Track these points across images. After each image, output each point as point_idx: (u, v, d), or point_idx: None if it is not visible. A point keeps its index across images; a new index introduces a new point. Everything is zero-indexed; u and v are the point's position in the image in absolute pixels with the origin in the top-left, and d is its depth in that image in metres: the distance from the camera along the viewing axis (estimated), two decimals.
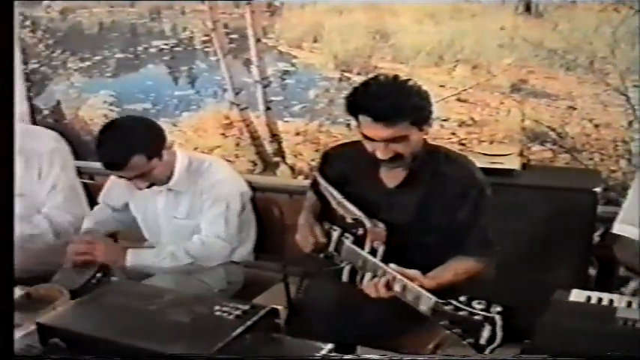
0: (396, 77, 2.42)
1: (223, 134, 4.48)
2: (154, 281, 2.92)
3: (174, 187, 3.01)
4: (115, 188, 3.24)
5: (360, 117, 2.39)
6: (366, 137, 2.41)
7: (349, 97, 2.43)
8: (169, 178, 2.99)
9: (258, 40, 4.20)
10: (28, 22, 4.96)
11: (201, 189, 2.98)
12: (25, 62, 5.13)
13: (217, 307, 2.10)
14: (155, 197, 3.08)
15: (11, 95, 1.71)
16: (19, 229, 3.19)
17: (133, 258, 2.94)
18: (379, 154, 2.40)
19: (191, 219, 3.04)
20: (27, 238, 3.23)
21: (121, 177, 2.91)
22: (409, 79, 2.41)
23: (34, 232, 3.24)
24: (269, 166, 4.43)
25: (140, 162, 2.80)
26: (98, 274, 2.89)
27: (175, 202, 3.05)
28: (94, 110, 4.92)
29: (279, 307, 2.12)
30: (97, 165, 4.74)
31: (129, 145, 2.79)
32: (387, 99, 2.33)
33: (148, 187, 2.92)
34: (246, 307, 2.10)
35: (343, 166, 2.68)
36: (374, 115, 2.33)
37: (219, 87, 4.42)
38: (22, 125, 3.50)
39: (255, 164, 4.44)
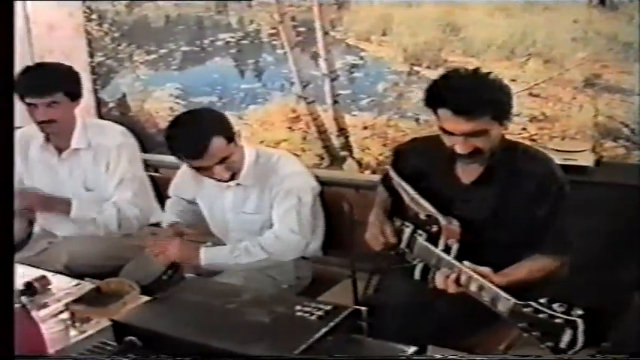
0: (476, 70, 2.41)
1: (290, 128, 4.50)
2: (223, 278, 2.93)
3: (243, 181, 3.01)
4: (183, 181, 3.28)
5: (440, 110, 2.38)
6: (445, 131, 2.40)
7: (429, 90, 2.42)
8: (238, 172, 3.00)
9: (325, 33, 4.20)
10: (94, 16, 5.06)
11: (271, 183, 2.99)
12: (91, 55, 5.22)
13: (298, 307, 2.05)
14: (223, 193, 3.10)
15: (11, 95, 1.74)
16: (88, 212, 3.27)
17: (207, 256, 2.95)
18: (458, 149, 2.39)
19: (260, 214, 3.05)
20: (91, 221, 3.29)
21: (198, 169, 2.92)
22: (490, 73, 2.40)
23: (99, 217, 3.29)
24: (336, 161, 4.43)
25: (220, 145, 2.81)
26: (169, 271, 2.92)
27: (244, 197, 3.06)
28: (160, 103, 4.99)
29: (362, 308, 2.08)
30: (162, 158, 4.89)
31: (207, 129, 2.81)
32: (469, 92, 2.32)
33: (230, 178, 2.93)
34: (329, 308, 2.04)
35: (417, 161, 2.67)
36: (455, 109, 2.32)
37: (286, 80, 4.43)
38: (90, 120, 3.53)
39: (322, 158, 4.45)
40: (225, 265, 2.96)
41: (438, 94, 2.39)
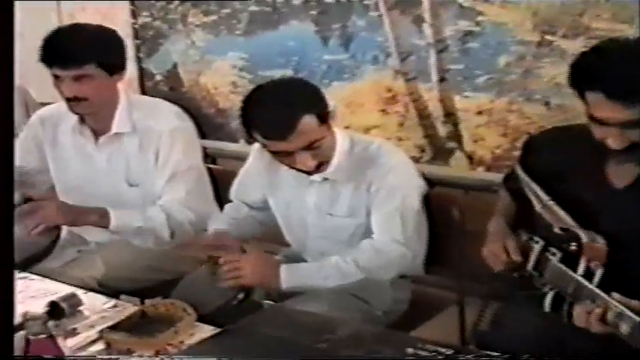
0: (638, 42, 2.35)
1: (383, 111, 4.47)
2: (300, 302, 2.91)
3: (332, 175, 2.99)
4: (249, 180, 3.28)
5: (589, 93, 2.33)
6: (594, 120, 2.35)
7: (574, 67, 2.38)
8: (326, 164, 2.98)
9: None
10: None
11: (370, 179, 2.97)
12: (135, 15, 5.27)
13: (410, 350, 2.03)
14: (304, 190, 3.08)
15: (11, 95, 1.87)
16: (131, 221, 3.27)
17: (289, 277, 2.91)
18: (611, 143, 2.34)
19: (352, 217, 3.03)
20: (135, 230, 3.30)
21: (277, 154, 2.89)
22: None
23: (146, 226, 3.29)
24: (440, 154, 4.40)
25: (311, 125, 2.80)
26: (240, 295, 2.90)
27: (332, 196, 3.05)
28: (220, 76, 5.02)
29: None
30: (221, 145, 4.91)
31: (296, 104, 2.81)
32: (628, 71, 2.26)
33: (315, 169, 2.91)
34: (450, 352, 2.03)
35: (554, 157, 2.63)
36: (609, 92, 2.26)
37: (380, 50, 4.40)
38: (136, 97, 3.54)
39: (423, 150, 4.41)
40: (310, 287, 2.93)
41: (588, 72, 2.34)
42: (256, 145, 3.17)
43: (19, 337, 2.27)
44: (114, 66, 3.28)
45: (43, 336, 2.03)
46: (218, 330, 2.37)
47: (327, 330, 2.15)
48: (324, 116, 2.85)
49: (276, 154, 2.92)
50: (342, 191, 3.03)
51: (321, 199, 3.08)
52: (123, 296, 3.17)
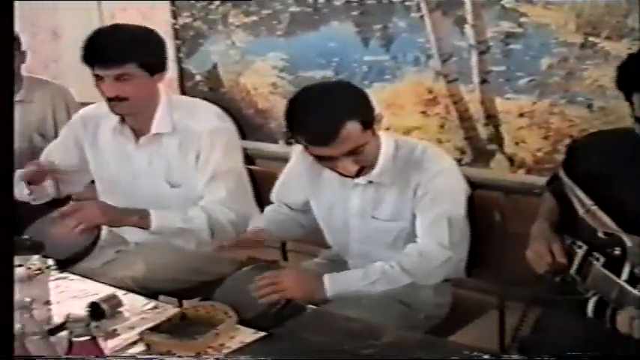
0: None
1: (424, 112, 4.46)
2: (339, 306, 2.88)
3: (377, 178, 2.98)
4: (291, 181, 3.26)
5: (636, 95, 2.31)
6: None
7: (622, 69, 2.37)
8: (371, 167, 2.96)
9: None
10: None
11: (416, 182, 2.95)
12: (175, 15, 5.29)
13: (456, 358, 2.01)
14: (348, 193, 3.07)
15: (11, 95, 1.93)
16: (171, 222, 3.27)
17: (334, 285, 2.88)
18: None
19: (397, 220, 3.02)
20: (176, 231, 3.29)
21: (319, 158, 2.89)
22: None
23: (187, 226, 3.29)
24: (481, 156, 4.38)
25: (354, 131, 2.77)
26: (282, 300, 2.87)
27: (376, 199, 3.03)
28: (260, 77, 5.02)
29: None
30: (260, 146, 4.90)
31: (341, 110, 2.78)
32: None
33: (357, 174, 2.90)
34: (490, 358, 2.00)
35: (599, 161, 2.60)
36: None
37: (421, 52, 4.39)
38: (177, 97, 3.54)
39: (464, 152, 4.40)
40: (356, 295, 2.91)
41: (636, 74, 2.32)
42: (298, 147, 3.15)
43: (61, 338, 2.29)
44: (155, 66, 3.28)
45: (86, 338, 2.03)
46: (261, 334, 2.36)
47: (371, 335, 2.14)
48: (368, 122, 2.83)
49: (319, 158, 2.90)
50: (387, 194, 3.01)
51: (364, 202, 3.06)
52: (161, 297, 3.17)
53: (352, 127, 2.76)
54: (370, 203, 3.04)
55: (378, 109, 2.94)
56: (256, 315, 2.63)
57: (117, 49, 3.18)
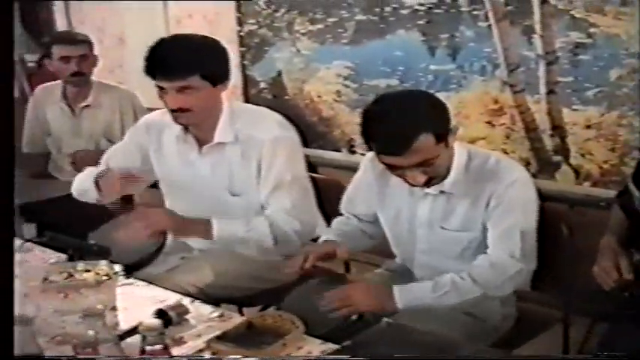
0: None
1: (489, 122, 4.43)
2: (405, 317, 2.85)
3: (449, 188, 2.94)
4: (359, 192, 3.23)
5: None
6: None
7: None
8: (443, 177, 2.93)
9: (544, 2, 4.10)
10: None
11: (490, 193, 2.91)
12: (241, 22, 5.30)
13: None
14: (417, 202, 3.03)
15: (11, 95, 1.88)
16: (234, 231, 3.26)
17: (404, 297, 2.85)
18: None
19: (467, 231, 2.98)
20: (239, 240, 3.28)
21: (387, 165, 2.86)
22: None
23: (249, 236, 3.27)
24: (546, 167, 4.34)
25: (427, 143, 2.74)
26: (353, 316, 2.83)
27: (447, 209, 2.99)
28: (324, 85, 5.02)
29: None
30: (323, 153, 4.89)
31: (416, 122, 2.74)
32: None
33: (426, 183, 2.87)
34: None
35: None
36: None
37: (488, 61, 4.37)
38: (239, 105, 3.51)
39: (529, 163, 4.35)
40: (426, 306, 2.88)
41: None
42: (367, 157, 3.15)
43: (132, 345, 2.29)
44: (217, 77, 3.25)
45: (159, 346, 2.03)
46: (329, 345, 2.34)
47: (447, 348, 2.10)
48: (442, 135, 2.79)
49: (388, 166, 2.87)
50: (458, 205, 2.98)
51: (434, 212, 3.02)
52: (223, 304, 3.16)
53: (425, 140, 2.73)
54: (440, 213, 3.01)
55: (453, 123, 2.89)
56: (328, 330, 2.61)
57: (179, 62, 3.15)
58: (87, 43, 4.79)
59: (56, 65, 4.71)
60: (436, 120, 2.79)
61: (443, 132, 2.79)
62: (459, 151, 2.95)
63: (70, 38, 4.85)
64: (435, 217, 3.01)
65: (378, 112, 2.82)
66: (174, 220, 3.24)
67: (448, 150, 2.87)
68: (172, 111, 3.22)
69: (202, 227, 3.25)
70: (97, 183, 3.42)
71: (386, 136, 2.75)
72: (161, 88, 3.18)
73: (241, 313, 3.28)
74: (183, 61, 3.15)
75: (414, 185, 2.89)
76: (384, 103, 2.88)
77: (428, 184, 2.88)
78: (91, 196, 3.47)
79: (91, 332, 2.19)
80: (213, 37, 3.34)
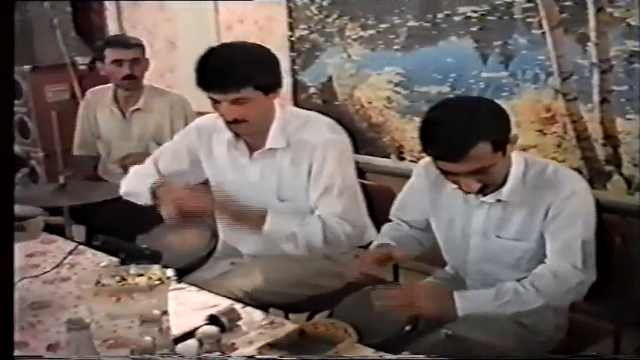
0: None
1: (541, 131, 4.38)
2: (455, 326, 2.81)
3: (506, 197, 2.90)
4: (412, 198, 3.20)
5: None
6: None
7: None
8: (499, 186, 2.89)
9: (599, 9, 4.05)
10: None
11: (549, 203, 2.87)
12: (292, 27, 5.30)
13: None
14: (472, 210, 3.00)
15: (11, 96, 1.80)
16: (287, 224, 3.26)
17: (465, 304, 2.80)
18: None
19: (523, 240, 2.94)
20: (289, 236, 3.25)
21: (446, 174, 2.82)
22: None
23: (301, 231, 3.24)
24: (598, 177, 4.28)
25: (484, 152, 2.71)
26: (407, 327, 2.79)
27: (503, 218, 2.95)
28: (375, 91, 5.00)
29: None
30: (371, 159, 4.87)
31: (474, 129, 2.71)
32: None
33: (479, 191, 2.83)
34: None
35: None
36: None
37: (541, 69, 4.32)
38: (291, 111, 3.49)
39: (580, 173, 4.21)
40: (486, 315, 2.83)
41: None
42: (421, 163, 3.13)
43: (186, 351, 2.28)
44: (270, 86, 3.22)
45: (217, 353, 2.01)
46: (382, 354, 2.32)
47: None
48: (500, 144, 2.76)
49: (442, 172, 2.84)
50: (514, 214, 2.94)
51: (489, 221, 2.98)
52: (271, 309, 3.14)
53: (483, 148, 2.69)
54: (495, 222, 2.97)
55: (512, 133, 2.86)
56: (381, 340, 2.58)
57: (232, 74, 3.13)
58: (139, 46, 4.82)
59: (109, 68, 4.75)
60: (495, 128, 2.75)
61: (501, 141, 2.75)
62: (517, 159, 2.91)
63: (123, 42, 4.88)
64: (490, 225, 2.98)
65: (438, 117, 2.79)
66: (232, 208, 3.32)
67: (505, 158, 2.83)
68: (228, 122, 3.21)
69: (256, 216, 3.25)
70: (153, 192, 3.42)
71: (444, 142, 2.73)
72: (214, 100, 3.17)
73: (287, 319, 3.25)
74: (236, 73, 3.12)
75: (467, 192, 2.86)
76: (444, 108, 2.85)
77: (482, 191, 2.85)
78: (141, 199, 3.47)
79: (148, 338, 2.18)
80: (264, 44, 3.32)
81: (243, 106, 3.14)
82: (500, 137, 2.76)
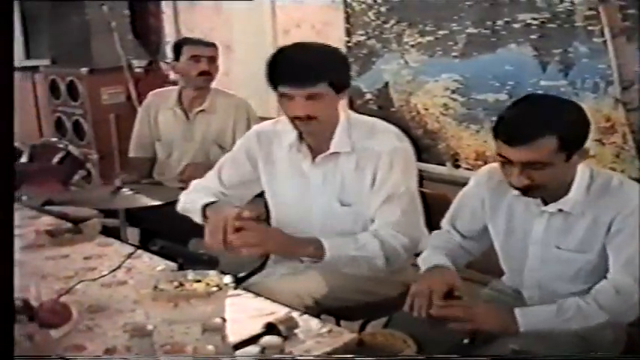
0: None
1: (599, 141, 4.33)
2: (519, 342, 2.77)
3: (568, 208, 2.85)
4: (469, 207, 3.15)
5: None
6: None
7: None
8: (561, 195, 2.84)
9: None
10: None
11: (613, 215, 2.80)
12: (349, 33, 5.29)
13: None
14: (532, 219, 2.95)
15: (11, 95, 1.85)
16: (345, 250, 3.22)
17: (527, 320, 2.76)
18: None
19: (583, 252, 2.88)
20: (349, 260, 3.23)
21: (505, 164, 2.77)
22: None
23: (360, 254, 3.22)
24: None
25: (549, 146, 2.66)
26: (466, 340, 2.76)
27: (564, 228, 2.90)
28: (431, 98, 4.97)
29: None
30: (426, 167, 4.83)
31: (547, 120, 2.68)
32: None
33: (525, 191, 2.78)
34: None
35: None
36: None
37: (601, 78, 4.26)
38: (355, 116, 3.46)
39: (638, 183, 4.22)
40: (549, 330, 2.79)
41: None
42: (482, 171, 3.11)
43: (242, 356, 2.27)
44: (341, 84, 3.23)
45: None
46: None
47: None
48: (568, 145, 2.70)
49: (500, 158, 2.79)
50: (576, 225, 2.88)
51: (550, 231, 2.93)
52: (323, 316, 3.12)
53: (548, 142, 2.66)
54: (556, 232, 2.91)
55: (586, 144, 2.81)
56: (439, 352, 2.55)
57: (310, 68, 3.14)
58: (215, 47, 4.97)
59: (183, 65, 4.87)
60: (569, 128, 2.71)
61: (571, 143, 2.71)
62: (582, 169, 2.85)
63: (202, 40, 5.04)
64: (551, 235, 2.92)
65: (516, 104, 2.80)
66: (286, 243, 3.25)
67: (569, 167, 2.78)
68: (297, 118, 3.19)
69: (312, 248, 3.21)
70: (204, 213, 3.41)
71: (513, 124, 2.72)
72: (286, 96, 3.16)
73: (338, 325, 3.22)
74: (313, 67, 3.14)
75: (515, 188, 2.80)
76: (529, 97, 2.87)
77: (527, 193, 2.80)
78: (195, 218, 3.47)
79: (210, 347, 2.17)
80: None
81: (317, 102, 3.14)
82: (571, 138, 2.71)
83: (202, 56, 4.83)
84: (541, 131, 2.65)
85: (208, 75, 4.86)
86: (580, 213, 2.84)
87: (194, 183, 3.64)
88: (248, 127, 4.28)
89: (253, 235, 3.14)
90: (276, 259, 3.44)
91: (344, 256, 3.20)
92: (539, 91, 4.42)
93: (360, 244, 3.20)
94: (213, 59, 4.89)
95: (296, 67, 3.14)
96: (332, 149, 3.28)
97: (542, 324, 2.75)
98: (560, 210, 2.85)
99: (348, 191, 3.31)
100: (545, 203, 2.85)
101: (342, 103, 3.39)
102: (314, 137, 3.31)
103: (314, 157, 3.34)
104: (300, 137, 3.34)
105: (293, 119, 3.21)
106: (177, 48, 4.92)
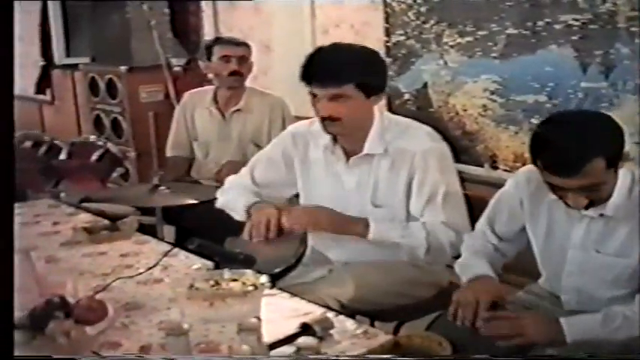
0: None
1: (639, 144, 4.25)
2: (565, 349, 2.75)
3: (610, 212, 2.82)
4: (508, 209, 3.12)
5: None
6: None
7: None
8: (604, 200, 2.81)
9: None
10: None
11: None
12: (388, 33, 5.27)
13: None
14: (572, 223, 2.92)
15: (11, 96, 1.87)
16: (391, 234, 3.25)
17: (573, 331, 2.73)
18: None
19: (623, 257, 2.84)
20: (391, 244, 3.27)
21: (556, 189, 2.76)
22: None
23: (405, 241, 3.24)
24: None
25: (598, 169, 2.65)
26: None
27: (604, 233, 2.87)
28: (470, 98, 4.94)
29: None
30: (464, 168, 4.80)
31: (590, 144, 2.65)
32: None
33: (587, 206, 2.76)
34: None
35: None
36: None
37: None
38: (389, 117, 3.46)
39: None
40: (595, 340, 2.75)
41: None
42: (521, 172, 3.09)
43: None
44: (372, 88, 3.22)
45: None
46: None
47: None
48: (614, 160, 2.69)
49: (550, 185, 2.77)
50: (617, 229, 2.85)
51: (590, 235, 2.90)
52: (357, 317, 3.11)
53: (597, 164, 2.63)
54: (596, 236, 2.88)
55: (626, 149, 2.79)
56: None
57: (336, 69, 3.15)
58: (247, 46, 4.97)
59: (215, 65, 4.89)
60: (611, 145, 2.68)
61: (616, 157, 2.68)
62: (623, 173, 2.82)
63: (232, 40, 5.04)
64: (591, 239, 2.89)
65: (552, 130, 2.74)
66: (336, 219, 3.31)
67: (616, 175, 2.75)
68: (322, 119, 3.20)
69: (361, 226, 3.27)
70: (248, 212, 3.44)
71: (558, 156, 2.67)
72: (314, 95, 3.17)
73: (372, 326, 3.21)
74: (339, 69, 3.16)
75: (574, 208, 2.78)
76: (559, 121, 2.80)
77: (588, 206, 2.77)
78: (237, 216, 3.49)
79: (245, 347, 2.17)
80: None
81: (341, 103, 3.16)
82: (615, 153, 2.69)
83: (233, 56, 4.83)
84: (588, 157, 2.62)
85: (239, 75, 4.87)
86: (621, 217, 2.81)
87: (229, 179, 3.66)
88: (283, 126, 4.29)
89: (304, 212, 3.29)
90: (306, 261, 3.41)
91: (388, 240, 3.25)
92: (579, 94, 4.41)
93: (408, 232, 3.24)
94: (244, 59, 4.89)
95: (323, 68, 3.17)
96: (365, 151, 3.29)
97: (588, 334, 2.73)
98: (601, 215, 2.82)
99: (382, 193, 3.33)
100: (585, 207, 2.81)
101: (379, 105, 3.39)
102: (346, 139, 3.32)
103: (348, 159, 3.34)
104: (335, 139, 3.34)
105: (320, 120, 3.22)
106: (209, 48, 4.94)
